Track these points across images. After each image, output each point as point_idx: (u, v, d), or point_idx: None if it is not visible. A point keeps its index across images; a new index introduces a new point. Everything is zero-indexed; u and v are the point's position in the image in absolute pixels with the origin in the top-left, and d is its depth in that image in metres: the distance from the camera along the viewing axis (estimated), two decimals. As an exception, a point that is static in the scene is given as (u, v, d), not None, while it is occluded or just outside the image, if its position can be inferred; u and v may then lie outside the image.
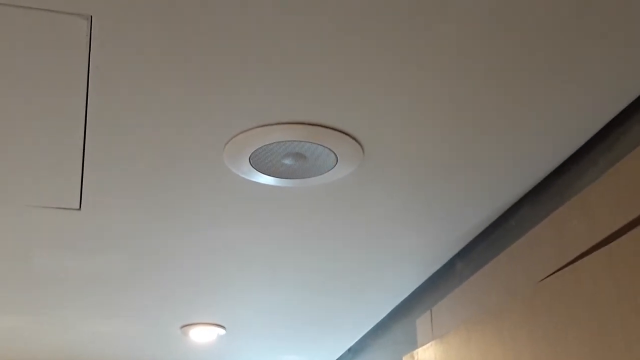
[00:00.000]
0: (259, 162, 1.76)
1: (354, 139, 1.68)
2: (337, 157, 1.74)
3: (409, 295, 2.72)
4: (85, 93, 1.51)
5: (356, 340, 3.30)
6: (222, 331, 3.13)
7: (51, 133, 1.65)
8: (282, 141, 1.67)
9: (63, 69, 1.43)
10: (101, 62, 1.42)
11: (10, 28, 1.32)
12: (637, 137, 1.56)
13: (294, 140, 1.67)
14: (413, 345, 2.49)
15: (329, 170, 1.79)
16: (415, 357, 2.23)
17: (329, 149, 1.70)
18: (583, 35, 1.36)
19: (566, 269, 1.58)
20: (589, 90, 1.52)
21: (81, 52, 1.38)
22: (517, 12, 1.30)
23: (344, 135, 1.66)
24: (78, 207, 1.98)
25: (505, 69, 1.45)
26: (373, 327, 3.10)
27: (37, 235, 2.17)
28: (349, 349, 3.44)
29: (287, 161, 1.75)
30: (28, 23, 1.31)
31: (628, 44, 1.38)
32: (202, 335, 3.14)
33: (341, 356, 3.56)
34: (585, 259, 1.52)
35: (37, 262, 2.37)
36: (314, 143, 1.67)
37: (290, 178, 1.83)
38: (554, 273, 1.64)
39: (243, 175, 1.82)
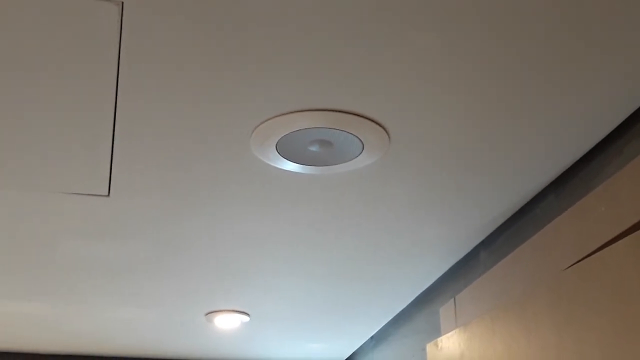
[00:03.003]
0: (286, 149, 1.77)
1: (380, 126, 1.68)
2: (363, 144, 1.75)
3: (433, 284, 2.73)
4: (115, 80, 1.52)
5: (379, 328, 3.31)
6: (246, 318, 3.15)
7: (81, 120, 1.67)
8: (309, 128, 1.68)
9: (93, 55, 1.45)
10: (131, 48, 1.43)
11: (42, 13, 1.34)
12: (664, 126, 1.55)
13: (320, 127, 1.68)
14: (436, 333, 2.49)
15: (355, 157, 1.80)
16: (439, 345, 2.23)
17: (356, 135, 1.71)
18: (612, 22, 1.36)
19: (591, 257, 1.58)
20: (615, 80, 1.52)
21: (112, 38, 1.40)
22: (545, -1, 1.30)
23: (371, 122, 1.67)
24: (107, 193, 2.00)
25: (531, 58, 1.45)
26: (396, 316, 3.11)
27: (65, 222, 2.20)
28: (372, 337, 3.45)
29: (314, 148, 1.77)
30: (60, 8, 1.32)
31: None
32: (227, 323, 3.16)
33: (364, 344, 3.57)
34: (610, 247, 1.52)
35: (64, 249, 2.40)
36: (341, 130, 1.68)
37: (316, 165, 1.84)
38: (579, 261, 1.64)
39: (270, 162, 1.83)
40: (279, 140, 1.73)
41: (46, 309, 3.07)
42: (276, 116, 1.65)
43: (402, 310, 3.03)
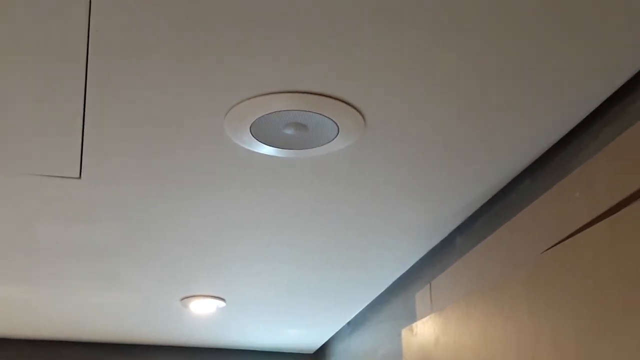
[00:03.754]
0: (260, 132, 1.75)
1: (355, 109, 1.67)
2: (338, 128, 1.73)
3: (409, 269, 2.72)
4: (85, 58, 1.50)
5: (355, 314, 3.31)
6: (222, 304, 3.13)
7: (51, 100, 1.64)
8: (284, 110, 1.66)
9: (63, 34, 1.42)
10: (101, 27, 1.41)
11: (10, -9, 1.31)
12: (638, 111, 1.55)
13: (295, 110, 1.66)
14: (412, 319, 2.49)
15: (330, 140, 1.79)
16: (414, 331, 2.23)
17: (331, 119, 1.69)
18: (583, 7, 1.35)
19: (567, 241, 1.58)
20: (589, 65, 1.51)
21: (81, 16, 1.37)
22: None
23: (346, 105, 1.65)
24: (78, 175, 1.97)
25: (506, 42, 1.44)
26: (372, 301, 3.11)
27: (36, 205, 2.17)
28: (349, 323, 3.45)
29: (289, 131, 1.75)
30: (28, -14, 1.30)
31: (629, 16, 1.37)
32: (202, 308, 3.14)
33: (340, 330, 3.57)
34: (586, 231, 1.52)
35: (36, 232, 2.37)
36: (316, 113, 1.67)
37: (291, 148, 1.83)
38: (554, 246, 1.63)
39: (244, 145, 1.81)
40: (253, 123, 1.71)
41: (18, 293, 3.04)
42: (250, 98, 1.63)
43: (379, 295, 3.03)
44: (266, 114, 1.67)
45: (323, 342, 3.84)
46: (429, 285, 2.32)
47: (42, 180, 2.00)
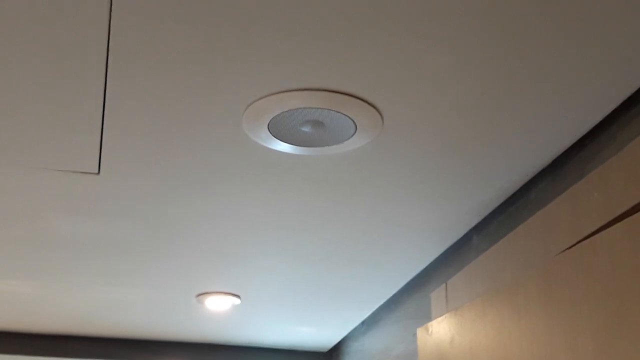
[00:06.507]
0: (278, 129, 1.75)
1: (374, 107, 1.67)
2: (356, 126, 1.73)
3: (424, 269, 2.72)
4: (105, 55, 1.50)
5: (370, 313, 3.30)
6: (237, 300, 3.14)
7: (70, 95, 1.65)
8: (302, 108, 1.66)
9: (83, 30, 1.43)
10: (122, 24, 1.41)
11: (32, -13, 1.32)
12: (659, 112, 1.54)
13: (313, 108, 1.66)
14: (427, 319, 2.48)
15: (348, 139, 1.79)
16: (429, 330, 2.23)
17: (349, 117, 1.69)
18: (603, 6, 1.34)
19: (584, 242, 1.57)
20: (609, 64, 1.51)
21: (102, 13, 1.38)
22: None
23: (364, 103, 1.65)
24: (97, 171, 1.98)
25: (525, 40, 1.44)
26: (387, 300, 3.10)
27: (54, 200, 2.18)
28: (363, 322, 3.44)
29: (306, 129, 1.75)
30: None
31: (654, 15, 1.36)
32: (217, 304, 3.15)
33: (355, 329, 3.57)
34: (603, 232, 1.51)
35: (54, 227, 2.38)
36: (334, 110, 1.67)
37: (308, 146, 1.83)
38: (571, 247, 1.63)
39: (261, 142, 1.81)
40: (271, 120, 1.71)
41: (34, 287, 3.05)
42: (268, 95, 1.63)
43: (394, 295, 3.03)
44: (284, 112, 1.68)
45: (337, 341, 3.84)
46: (444, 284, 2.32)
47: (61, 175, 2.01)
